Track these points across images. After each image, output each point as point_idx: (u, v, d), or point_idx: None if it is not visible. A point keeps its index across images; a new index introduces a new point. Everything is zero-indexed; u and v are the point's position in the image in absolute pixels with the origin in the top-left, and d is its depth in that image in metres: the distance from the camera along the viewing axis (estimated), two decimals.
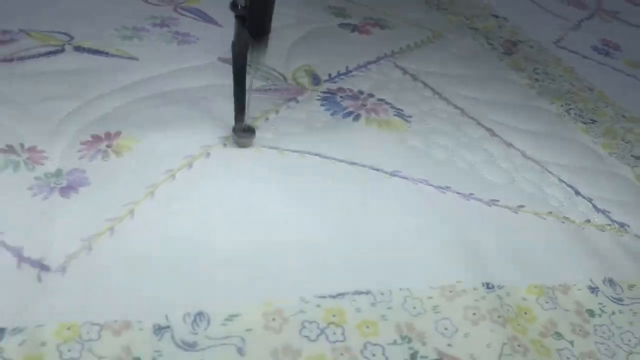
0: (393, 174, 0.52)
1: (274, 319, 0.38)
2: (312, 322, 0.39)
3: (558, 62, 0.78)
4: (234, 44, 0.47)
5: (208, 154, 0.50)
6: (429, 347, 0.39)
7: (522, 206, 0.52)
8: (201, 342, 0.37)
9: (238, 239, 0.43)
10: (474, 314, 0.42)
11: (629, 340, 0.44)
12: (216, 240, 0.43)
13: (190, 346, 0.37)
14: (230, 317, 0.38)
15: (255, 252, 0.43)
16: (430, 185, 0.52)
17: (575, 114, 0.68)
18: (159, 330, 0.37)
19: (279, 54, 0.65)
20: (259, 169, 0.50)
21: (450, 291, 0.43)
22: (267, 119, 0.55)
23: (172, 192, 0.46)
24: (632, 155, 0.63)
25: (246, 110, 0.50)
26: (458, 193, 0.52)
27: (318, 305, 0.39)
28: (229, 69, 0.49)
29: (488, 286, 0.44)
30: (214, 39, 0.66)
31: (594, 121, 0.67)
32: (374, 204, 0.49)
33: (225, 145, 0.51)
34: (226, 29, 0.64)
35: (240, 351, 0.37)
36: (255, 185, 0.48)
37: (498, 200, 0.52)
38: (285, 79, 0.61)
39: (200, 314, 0.38)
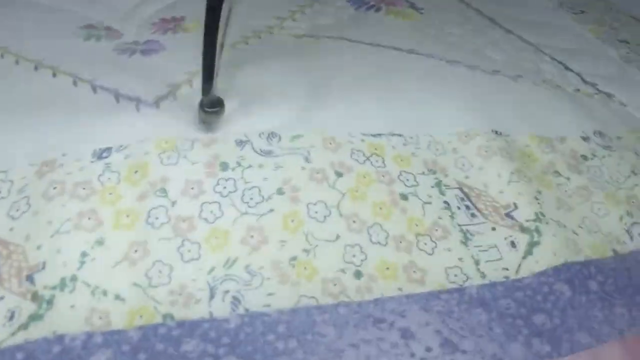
0: (410, 52, 0.60)
1: (330, 143, 0.47)
2: (359, 150, 0.48)
3: None
4: None
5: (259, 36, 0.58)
6: (450, 178, 0.48)
7: (520, 76, 0.60)
8: (276, 151, 0.45)
9: (294, 82, 0.52)
10: (486, 151, 0.50)
11: (617, 179, 0.52)
12: (277, 82, 0.52)
13: (267, 153, 0.45)
14: (297, 136, 0.47)
15: (310, 92, 0.51)
16: (442, 60, 0.60)
17: (567, 6, 0.76)
18: (241, 142, 0.45)
19: None
20: (299, 52, 0.58)
21: (466, 136, 0.52)
22: (303, 12, 0.63)
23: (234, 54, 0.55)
24: (617, 40, 0.71)
25: (215, 78, 0.45)
26: (466, 66, 0.60)
27: (362, 140, 0.48)
28: None
29: (497, 132, 0.52)
30: None
31: (583, 12, 0.75)
32: (396, 72, 0.57)
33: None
34: None
35: (307, 159, 0.45)
36: (301, 61, 0.56)
37: (499, 71, 0.60)
38: None
39: (272, 133, 0.47)
